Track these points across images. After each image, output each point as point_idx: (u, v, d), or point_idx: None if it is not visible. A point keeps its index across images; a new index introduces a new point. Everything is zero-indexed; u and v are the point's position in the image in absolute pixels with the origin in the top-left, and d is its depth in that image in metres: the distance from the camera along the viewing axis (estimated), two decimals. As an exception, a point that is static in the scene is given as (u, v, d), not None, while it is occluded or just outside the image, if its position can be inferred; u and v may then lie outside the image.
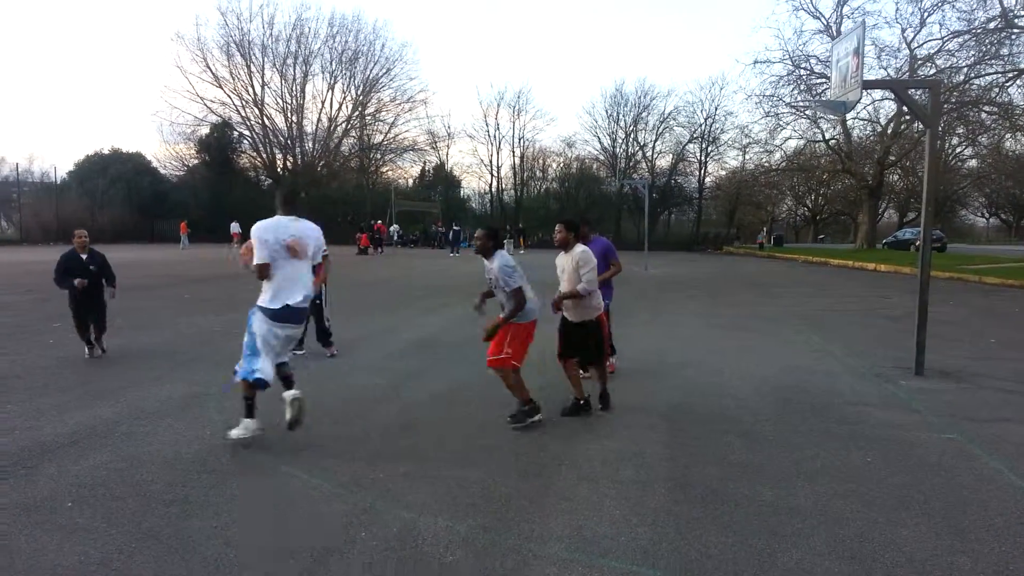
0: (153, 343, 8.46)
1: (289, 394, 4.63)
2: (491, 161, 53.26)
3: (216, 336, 8.92)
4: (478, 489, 3.94)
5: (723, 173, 52.18)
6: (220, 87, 49.17)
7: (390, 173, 54.54)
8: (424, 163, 54.47)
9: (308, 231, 4.64)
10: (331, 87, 51.66)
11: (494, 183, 53.42)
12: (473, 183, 56.71)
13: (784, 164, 42.44)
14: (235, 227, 36.59)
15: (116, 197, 44.42)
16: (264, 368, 4.50)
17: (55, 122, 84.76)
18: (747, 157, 47.96)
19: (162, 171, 50.09)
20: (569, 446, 4.75)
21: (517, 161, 52.85)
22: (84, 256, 7.39)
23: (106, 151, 48.43)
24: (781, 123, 38.36)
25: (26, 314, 10.67)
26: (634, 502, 3.79)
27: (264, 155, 52.00)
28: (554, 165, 53.94)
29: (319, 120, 52.11)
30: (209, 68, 48.49)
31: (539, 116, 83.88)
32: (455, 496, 3.84)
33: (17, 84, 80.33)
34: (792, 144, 42.79)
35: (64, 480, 4.00)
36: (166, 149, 50.85)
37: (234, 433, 4.59)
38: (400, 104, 52.13)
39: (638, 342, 8.66)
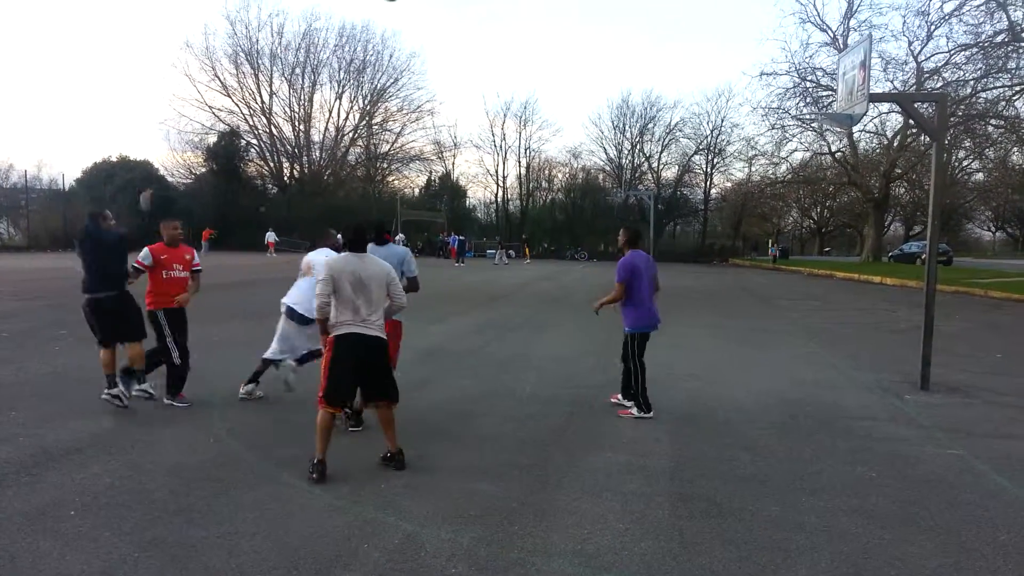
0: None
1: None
2: (497, 171, 53.49)
3: (214, 345, 8.91)
4: (481, 501, 3.94)
5: (729, 185, 52.33)
6: (228, 96, 49.55)
7: (396, 183, 54.89)
8: (430, 173, 54.77)
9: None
10: (339, 96, 52.00)
11: (500, 193, 53.66)
12: (479, 193, 56.88)
13: (790, 176, 42.41)
14: (271, 236, 37.51)
15: (123, 204, 44.62)
16: None
17: (64, 129, 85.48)
18: (753, 169, 48.06)
19: (169, 179, 50.26)
20: (573, 459, 4.74)
21: (523, 171, 53.09)
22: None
23: (114, 158, 48.70)
24: (787, 135, 38.57)
25: (34, 320, 10.70)
26: (638, 515, 3.77)
27: (271, 164, 52.31)
28: (559, 176, 54.19)
29: (326, 129, 52.45)
30: (217, 77, 48.89)
31: (545, 126, 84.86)
32: (458, 508, 3.83)
33: (27, 91, 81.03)
34: (798, 156, 42.80)
35: (68, 488, 4.01)
36: (174, 157, 50.98)
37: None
38: (407, 114, 52.46)
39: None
